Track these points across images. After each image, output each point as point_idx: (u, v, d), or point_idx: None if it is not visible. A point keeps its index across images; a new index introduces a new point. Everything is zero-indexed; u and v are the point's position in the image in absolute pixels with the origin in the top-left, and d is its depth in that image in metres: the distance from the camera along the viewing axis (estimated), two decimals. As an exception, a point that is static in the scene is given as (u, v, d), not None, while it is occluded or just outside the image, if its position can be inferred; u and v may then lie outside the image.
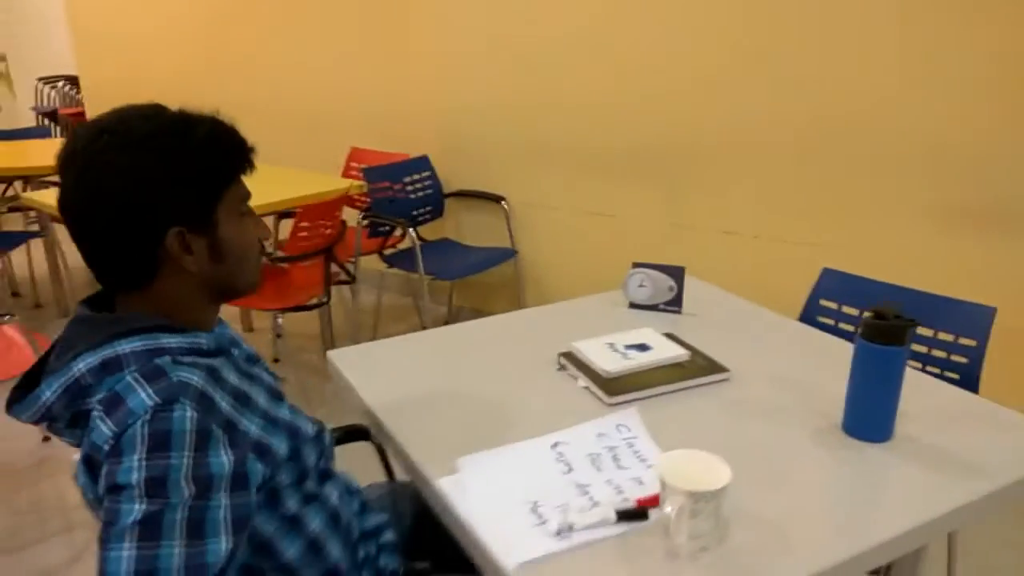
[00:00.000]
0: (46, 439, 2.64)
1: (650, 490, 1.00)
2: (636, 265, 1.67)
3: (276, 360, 3.28)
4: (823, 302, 1.77)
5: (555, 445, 1.12)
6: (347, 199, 3.00)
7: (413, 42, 3.48)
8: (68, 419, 0.84)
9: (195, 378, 0.83)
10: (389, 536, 1.16)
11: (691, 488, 0.87)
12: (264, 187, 2.85)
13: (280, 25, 3.97)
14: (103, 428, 0.79)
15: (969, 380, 1.52)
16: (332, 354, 1.44)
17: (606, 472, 1.06)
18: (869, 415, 1.12)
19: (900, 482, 1.04)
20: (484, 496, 1.01)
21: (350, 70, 3.76)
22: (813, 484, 1.05)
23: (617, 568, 0.89)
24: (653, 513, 0.96)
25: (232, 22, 4.18)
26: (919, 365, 1.58)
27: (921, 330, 1.60)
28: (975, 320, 1.55)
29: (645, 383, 1.28)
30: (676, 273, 1.63)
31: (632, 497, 1.00)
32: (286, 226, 3.29)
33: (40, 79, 6.77)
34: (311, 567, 0.98)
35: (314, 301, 2.89)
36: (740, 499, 0.98)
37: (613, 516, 0.95)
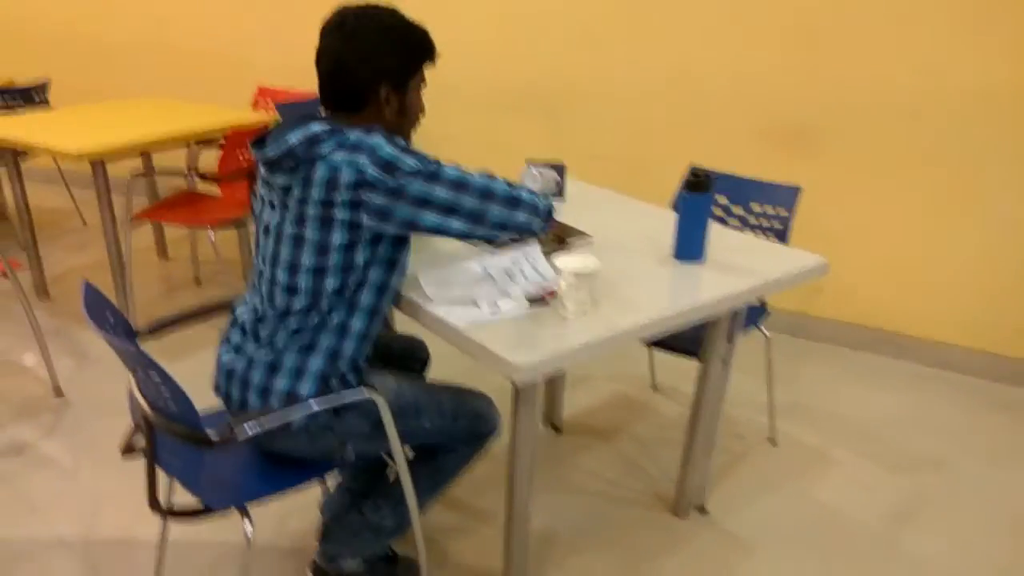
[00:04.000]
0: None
1: (548, 288, 1.51)
2: (530, 163, 2.16)
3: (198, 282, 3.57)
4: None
5: (481, 266, 1.60)
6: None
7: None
8: (292, 164, 1.33)
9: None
10: None
11: (576, 270, 1.38)
12: (194, 118, 3.14)
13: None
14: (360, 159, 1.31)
15: (783, 237, 2.21)
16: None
17: (517, 279, 1.55)
18: (689, 243, 1.68)
19: (707, 280, 1.61)
20: (437, 296, 1.48)
21: (254, 9, 4.00)
22: (656, 283, 1.59)
23: (530, 326, 1.39)
24: (551, 301, 1.47)
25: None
26: (753, 232, 2.23)
27: (754, 205, 2.29)
28: (787, 196, 2.26)
29: (540, 238, 1.79)
30: (560, 169, 2.14)
31: (536, 292, 1.50)
32: (205, 157, 3.57)
33: None
34: None
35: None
36: (610, 288, 1.51)
37: (526, 302, 1.45)
